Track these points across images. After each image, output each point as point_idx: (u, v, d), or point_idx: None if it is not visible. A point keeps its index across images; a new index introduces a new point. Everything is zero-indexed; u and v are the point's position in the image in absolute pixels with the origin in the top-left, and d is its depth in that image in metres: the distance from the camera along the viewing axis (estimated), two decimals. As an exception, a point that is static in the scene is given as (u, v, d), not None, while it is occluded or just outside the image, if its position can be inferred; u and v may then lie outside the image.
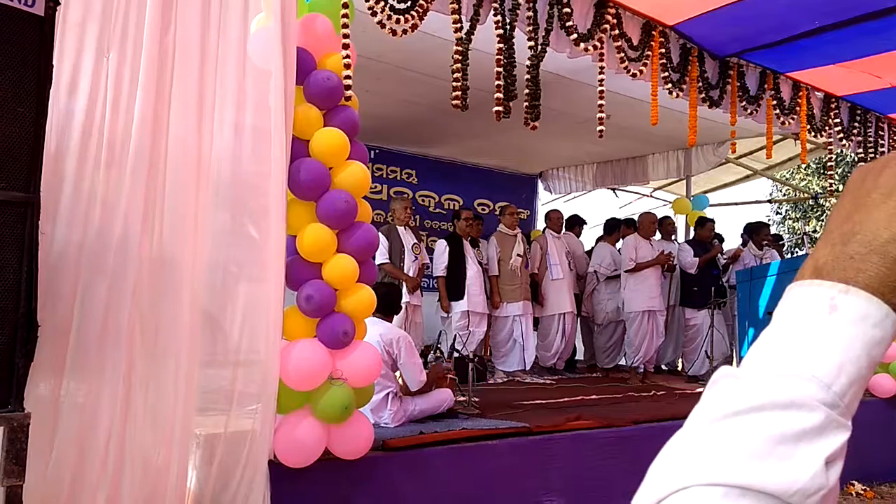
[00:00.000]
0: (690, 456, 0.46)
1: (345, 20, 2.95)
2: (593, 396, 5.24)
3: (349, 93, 2.99)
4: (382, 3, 3.11)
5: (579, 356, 7.62)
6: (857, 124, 5.79)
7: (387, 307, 4.01)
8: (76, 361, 2.25)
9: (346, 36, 2.96)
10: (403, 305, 5.21)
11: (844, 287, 0.48)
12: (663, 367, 7.36)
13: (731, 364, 7.02)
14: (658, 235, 6.84)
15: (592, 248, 7.53)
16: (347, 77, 2.97)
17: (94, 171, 2.30)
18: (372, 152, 7.12)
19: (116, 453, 2.32)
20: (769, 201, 13.93)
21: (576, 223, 7.46)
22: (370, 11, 3.12)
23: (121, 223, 2.34)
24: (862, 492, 4.50)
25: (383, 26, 3.16)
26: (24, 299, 1.75)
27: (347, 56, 2.96)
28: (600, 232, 7.90)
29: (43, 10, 1.77)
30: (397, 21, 3.16)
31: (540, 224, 8.99)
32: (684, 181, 8.41)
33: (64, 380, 2.23)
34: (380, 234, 4.11)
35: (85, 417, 2.28)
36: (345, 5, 2.95)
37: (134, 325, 2.37)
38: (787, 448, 0.43)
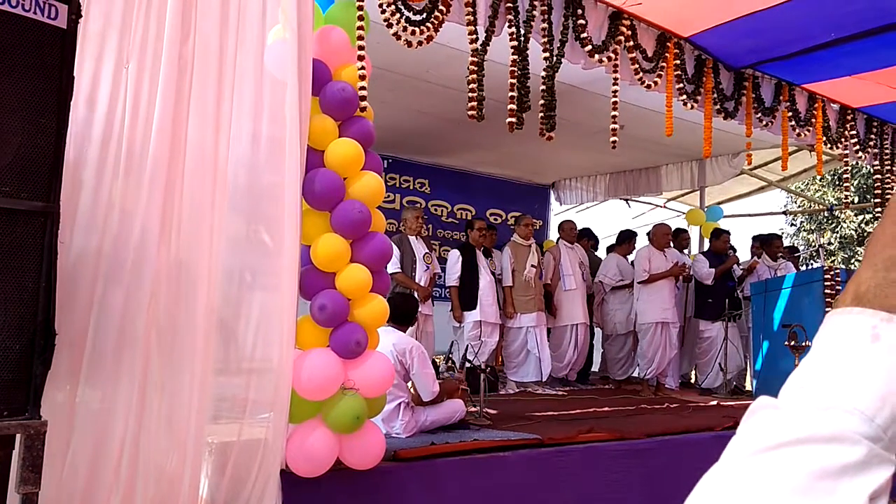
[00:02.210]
0: (728, 491, 0.45)
1: (360, 32, 2.97)
2: (606, 408, 5.21)
3: (364, 104, 3.01)
4: (398, 16, 3.13)
5: (596, 367, 7.58)
6: (873, 136, 5.76)
7: (401, 317, 4.00)
8: (92, 368, 2.26)
9: (361, 48, 2.98)
10: (415, 315, 5.20)
11: (887, 315, 0.46)
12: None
13: (744, 377, 6.97)
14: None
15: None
16: (362, 88, 2.99)
17: (112, 180, 2.32)
18: (385, 162, 7.15)
19: (130, 460, 2.33)
20: (784, 213, 13.83)
21: (584, 236, 7.41)
22: (386, 23, 3.15)
23: (138, 231, 2.36)
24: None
25: (399, 38, 3.18)
26: (42, 308, 1.76)
27: (362, 67, 2.98)
28: (608, 243, 7.89)
29: (65, 23, 1.79)
30: (413, 33, 3.18)
31: (552, 234, 8.98)
32: (698, 192, 8.38)
33: (79, 387, 2.24)
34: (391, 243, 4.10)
35: (100, 424, 2.29)
36: (360, 17, 2.98)
37: (150, 332, 2.39)
38: (829, 484, 0.42)
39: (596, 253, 7.69)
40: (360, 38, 2.98)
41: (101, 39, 2.36)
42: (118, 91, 2.37)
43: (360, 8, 2.98)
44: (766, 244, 6.98)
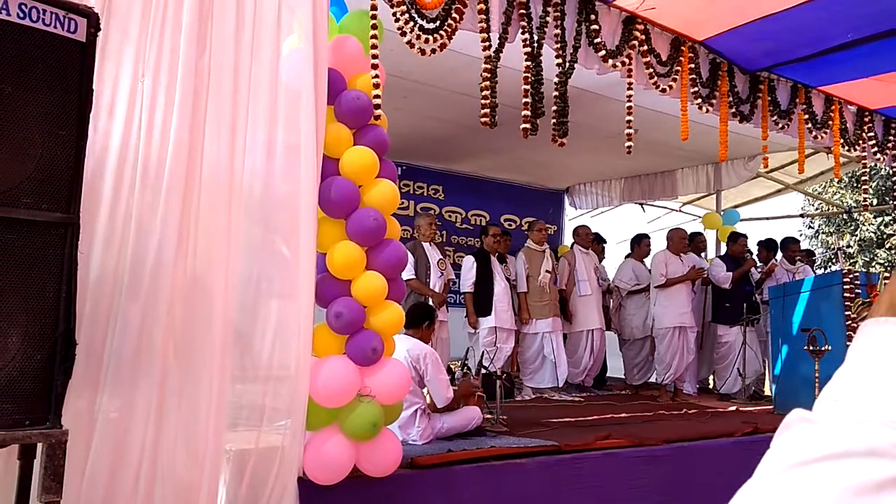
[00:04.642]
0: None
1: (374, 41, 2.99)
2: (623, 414, 5.17)
3: (378, 112, 3.02)
4: (412, 24, 3.14)
5: (617, 373, 7.52)
6: (891, 137, 5.68)
7: (415, 321, 4.02)
8: (111, 378, 2.28)
9: (375, 56, 3.00)
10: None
11: None
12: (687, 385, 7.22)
13: (763, 382, 6.89)
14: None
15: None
16: (377, 96, 3.00)
17: (130, 192, 2.35)
18: (399, 168, 7.16)
19: (149, 469, 2.35)
20: (801, 216, 13.68)
21: (593, 240, 7.38)
22: (399, 31, 3.16)
23: (156, 241, 2.39)
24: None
25: (412, 46, 3.19)
26: (62, 318, 1.78)
27: (376, 76, 3.00)
28: (625, 248, 7.84)
29: (84, 37, 1.82)
30: (426, 41, 3.19)
31: (567, 240, 8.95)
32: (714, 196, 8.31)
33: (99, 397, 2.26)
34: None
35: (119, 434, 2.31)
36: (374, 27, 2.99)
37: (168, 340, 2.41)
38: (868, 500, 0.41)
39: (603, 259, 7.64)
40: (374, 46, 2.99)
41: (119, 54, 2.39)
42: (135, 105, 2.40)
43: (374, 17, 2.99)
44: (782, 248, 6.92)
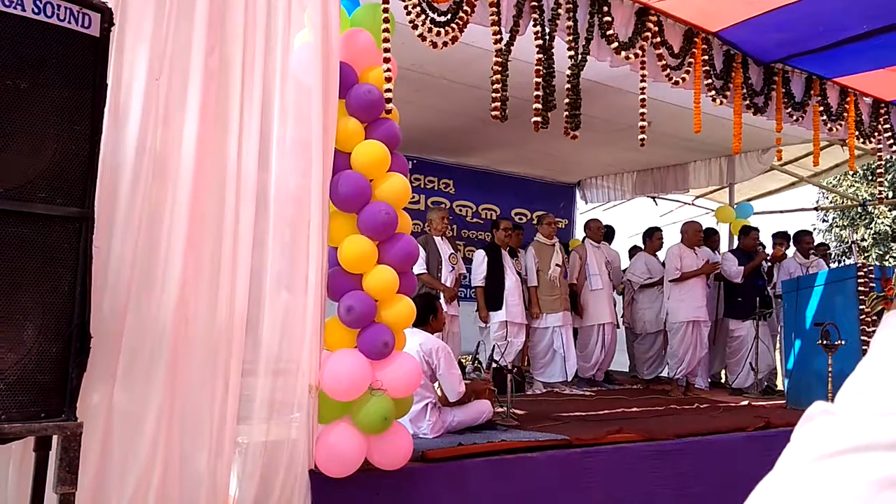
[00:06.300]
0: (785, 502, 0.43)
1: (386, 34, 2.99)
2: (634, 409, 5.16)
3: (390, 106, 3.02)
4: (423, 17, 3.13)
5: (622, 367, 7.50)
6: (908, 130, 5.62)
7: (421, 318, 4.01)
8: (125, 371, 2.30)
9: (387, 50, 2.99)
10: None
11: None
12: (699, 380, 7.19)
13: (775, 376, 6.85)
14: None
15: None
16: (388, 90, 3.00)
17: (144, 187, 2.36)
18: (410, 162, 7.17)
19: (162, 461, 2.37)
20: (816, 209, 13.51)
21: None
22: (411, 25, 3.15)
23: (168, 236, 2.40)
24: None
25: (424, 39, 3.18)
26: (77, 311, 1.80)
27: (388, 69, 2.99)
28: (634, 241, 7.80)
29: (98, 32, 1.83)
30: (438, 34, 3.18)
31: (578, 234, 8.92)
32: (727, 189, 8.25)
33: (113, 389, 2.28)
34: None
35: (132, 425, 2.33)
36: (386, 20, 2.99)
37: (179, 334, 2.42)
38: (892, 493, 0.40)
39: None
40: (386, 40, 2.99)
41: (133, 52, 2.40)
42: (150, 101, 2.40)
43: (386, 10, 2.99)
44: (795, 241, 6.86)
